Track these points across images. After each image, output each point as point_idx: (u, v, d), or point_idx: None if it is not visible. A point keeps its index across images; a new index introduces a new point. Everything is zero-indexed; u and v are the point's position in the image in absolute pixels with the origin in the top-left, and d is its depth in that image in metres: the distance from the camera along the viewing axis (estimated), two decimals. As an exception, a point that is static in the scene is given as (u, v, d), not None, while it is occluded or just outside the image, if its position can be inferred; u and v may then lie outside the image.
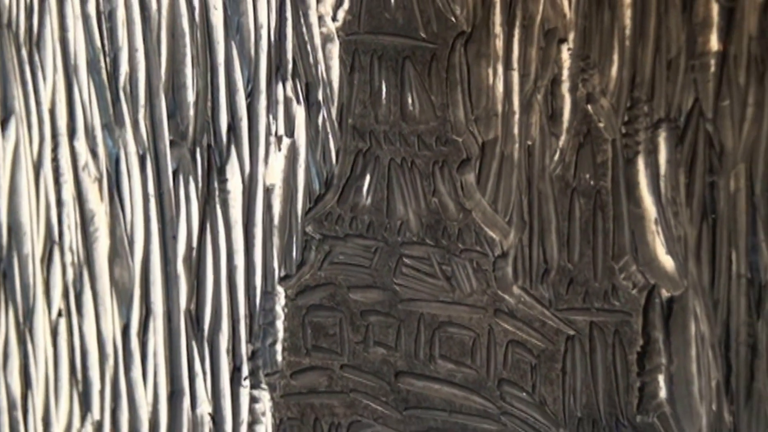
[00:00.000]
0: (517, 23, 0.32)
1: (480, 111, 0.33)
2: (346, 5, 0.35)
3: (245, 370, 0.38)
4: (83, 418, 0.40)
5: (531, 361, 0.33)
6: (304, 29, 0.36)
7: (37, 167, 0.40)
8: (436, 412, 0.35)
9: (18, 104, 0.40)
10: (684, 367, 0.32)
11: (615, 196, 0.32)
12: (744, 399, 0.31)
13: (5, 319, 0.41)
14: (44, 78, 0.39)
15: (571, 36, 0.31)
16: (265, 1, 0.36)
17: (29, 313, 0.41)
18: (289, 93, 0.36)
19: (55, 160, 0.40)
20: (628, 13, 0.31)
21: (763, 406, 0.31)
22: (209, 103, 0.38)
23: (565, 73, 0.32)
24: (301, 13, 0.36)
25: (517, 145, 0.32)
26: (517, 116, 0.32)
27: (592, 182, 0.32)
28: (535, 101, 0.32)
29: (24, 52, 0.39)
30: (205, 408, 0.39)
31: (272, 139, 0.37)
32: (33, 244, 0.41)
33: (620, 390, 0.32)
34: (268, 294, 0.38)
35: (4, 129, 0.40)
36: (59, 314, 0.40)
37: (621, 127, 0.31)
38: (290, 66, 0.36)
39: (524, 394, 0.33)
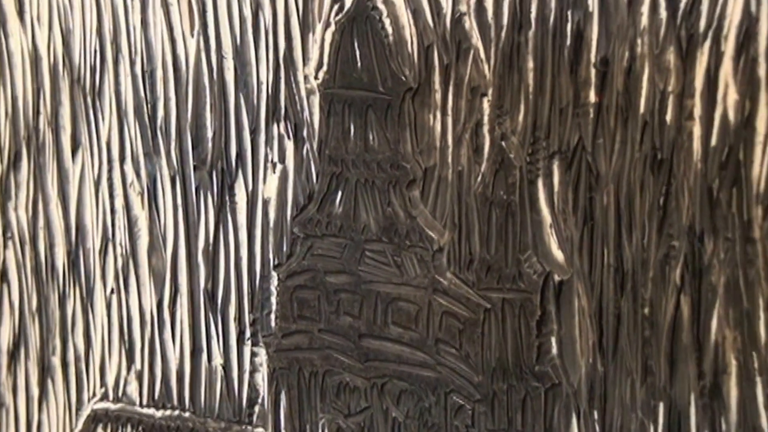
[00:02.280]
0: (451, 82, 0.31)
1: (423, 145, 0.32)
2: (324, 68, 0.34)
3: (248, 333, 0.37)
4: (129, 369, 0.40)
5: (459, 327, 0.32)
6: (293, 85, 0.35)
7: (97, 184, 0.39)
8: (389, 364, 0.35)
9: (84, 138, 0.39)
10: (569, 331, 0.31)
11: (521, 207, 0.31)
12: (611, 355, 0.31)
13: (73, 296, 0.40)
14: (102, 119, 0.38)
15: (490, 91, 0.31)
16: (264, 64, 0.36)
17: (90, 291, 0.40)
18: (282, 131, 0.35)
19: (109, 179, 0.39)
20: (531, 74, 0.30)
21: (626, 360, 0.31)
22: (223, 139, 0.37)
23: (486, 118, 0.31)
24: (291, 73, 0.35)
25: (450, 171, 0.32)
26: (450, 149, 0.32)
27: (504, 197, 0.31)
28: (464, 139, 0.31)
29: (89, 100, 0.38)
30: (218, 361, 0.38)
31: (269, 164, 0.36)
32: (93, 240, 0.40)
33: (523, 347, 0.32)
34: (265, 277, 0.37)
35: (74, 155, 0.40)
36: (112, 292, 0.40)
37: (526, 157, 0.31)
38: (283, 112, 0.35)
39: (453, 350, 0.33)
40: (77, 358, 0.41)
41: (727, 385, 0.31)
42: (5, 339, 0.42)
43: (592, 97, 0.31)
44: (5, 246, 0.41)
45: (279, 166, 0.36)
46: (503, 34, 0.32)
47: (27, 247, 0.41)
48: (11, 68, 0.40)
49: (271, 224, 0.36)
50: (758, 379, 0.30)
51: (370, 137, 0.34)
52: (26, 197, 0.41)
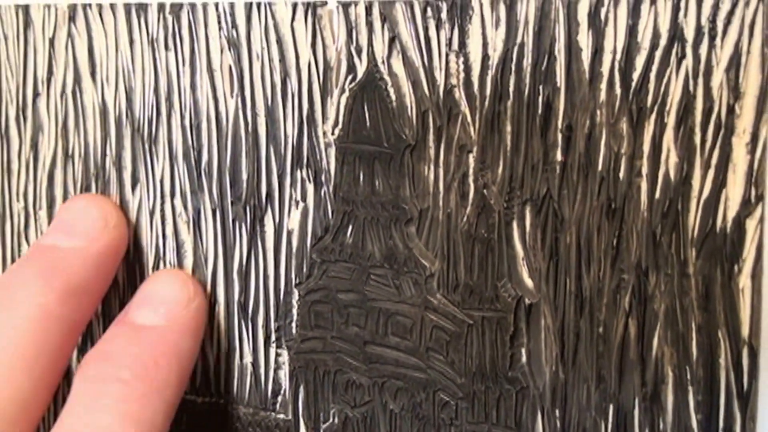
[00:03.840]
0: (443, 140, 0.30)
1: (419, 191, 0.31)
2: (339, 126, 0.33)
3: (273, 337, 0.36)
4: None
5: (446, 338, 0.31)
6: (314, 139, 0.34)
7: (151, 214, 0.38)
8: (388, 366, 0.34)
9: (142, 176, 0.38)
10: (536, 344, 0.30)
11: (499, 243, 0.30)
12: (571, 365, 0.30)
13: (130, 303, 0.40)
14: (157, 161, 0.37)
15: (475, 149, 0.30)
16: (290, 122, 0.35)
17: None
18: (304, 176, 0.34)
19: (162, 210, 0.38)
20: (509, 136, 0.29)
21: (583, 369, 0.30)
22: (255, 180, 0.36)
23: (470, 170, 0.30)
24: (312, 129, 0.34)
25: (441, 212, 0.31)
26: (441, 195, 0.31)
27: (485, 235, 0.30)
28: (452, 187, 0.30)
29: (146, 146, 0.37)
30: (248, 359, 0.37)
31: (293, 202, 0.35)
32: (147, 258, 0.39)
33: (499, 356, 0.31)
34: (288, 293, 0.36)
35: (133, 190, 0.39)
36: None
37: (503, 203, 0.30)
38: (305, 160, 0.34)
39: (441, 357, 0.32)
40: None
41: (665, 393, 0.30)
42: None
43: (559, 156, 0.30)
44: (76, 262, 0.40)
45: (301, 204, 0.35)
46: (486, 102, 0.31)
47: (94, 263, 0.40)
48: (84, 119, 0.39)
49: (294, 250, 0.35)
50: (690, 388, 0.30)
51: (376, 183, 0.33)
52: (94, 222, 0.40)
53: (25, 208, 0.41)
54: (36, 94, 0.40)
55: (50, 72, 0.39)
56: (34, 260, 0.30)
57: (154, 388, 0.28)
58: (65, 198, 0.40)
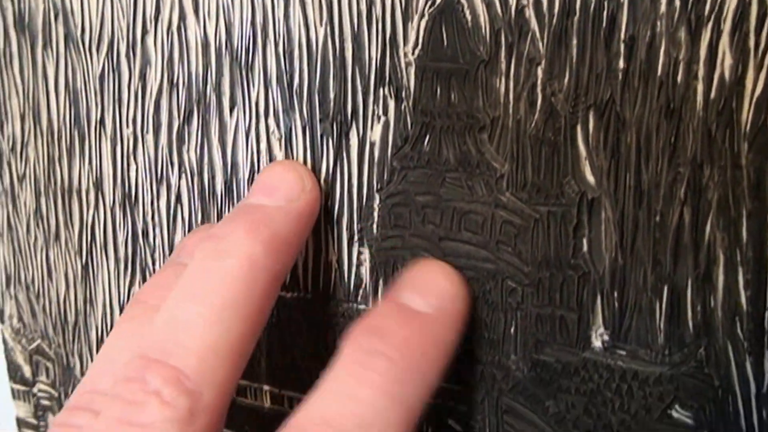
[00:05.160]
0: (513, 55, 0.28)
1: (491, 101, 0.29)
2: (419, 47, 0.31)
3: (356, 238, 0.34)
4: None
5: (514, 232, 0.29)
6: (396, 60, 0.32)
7: (247, 133, 0.36)
8: (461, 259, 0.32)
9: (239, 99, 0.36)
10: (597, 234, 0.28)
11: (564, 145, 0.28)
12: (629, 251, 0.28)
13: (228, 212, 0.37)
14: (253, 86, 0.35)
15: (543, 61, 0.28)
16: (374, 45, 0.33)
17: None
18: (386, 93, 0.32)
19: (257, 129, 0.36)
20: (575, 49, 0.27)
21: (640, 255, 0.28)
22: (341, 99, 0.34)
23: (539, 81, 0.28)
24: (394, 51, 0.32)
25: (510, 119, 0.29)
26: (511, 104, 0.29)
27: (552, 138, 0.28)
28: (522, 96, 0.28)
29: (243, 72, 0.36)
30: (333, 257, 0.35)
31: (375, 117, 0.33)
32: (243, 172, 0.37)
33: (562, 246, 0.29)
34: (370, 197, 0.34)
35: (231, 112, 0.37)
36: (257, 209, 0.37)
37: (569, 109, 0.27)
38: (387, 79, 0.32)
39: (509, 249, 0.30)
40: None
41: (716, 273, 0.28)
42: (178, 241, 0.39)
43: (621, 64, 0.28)
44: (180, 177, 0.38)
45: (383, 118, 0.33)
46: (555, 19, 0.29)
47: (195, 178, 0.38)
48: (188, 51, 0.37)
49: (376, 160, 0.33)
50: (740, 269, 0.27)
51: (452, 96, 0.31)
52: (196, 143, 0.38)
53: (134, 132, 0.39)
54: (144, 32, 0.38)
55: (158, 11, 0.37)
56: (243, 216, 0.29)
57: (417, 372, 0.25)
58: (170, 123, 0.38)
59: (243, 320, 0.26)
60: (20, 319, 0.47)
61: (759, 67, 0.26)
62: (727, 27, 0.26)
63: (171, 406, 0.22)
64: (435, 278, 0.29)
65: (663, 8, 0.27)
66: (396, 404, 0.24)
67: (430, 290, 0.28)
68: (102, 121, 0.40)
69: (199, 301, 0.25)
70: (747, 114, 0.27)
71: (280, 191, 0.32)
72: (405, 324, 0.26)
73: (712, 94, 0.27)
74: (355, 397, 0.24)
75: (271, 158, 0.35)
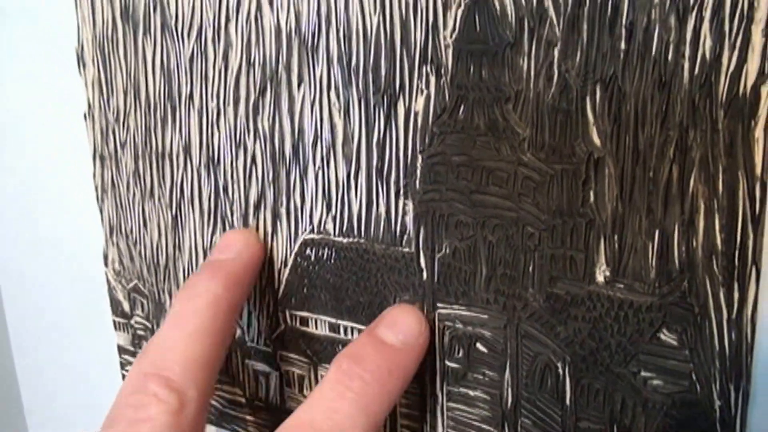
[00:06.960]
0: (534, 38, 0.33)
1: (515, 77, 0.34)
2: (456, 31, 0.36)
3: (402, 192, 0.39)
4: (327, 214, 0.42)
5: (533, 186, 0.34)
6: (437, 42, 0.37)
7: (312, 104, 0.41)
8: (488, 209, 0.37)
9: (305, 76, 0.41)
10: (602, 187, 0.32)
11: (575, 113, 0.32)
12: (628, 201, 0.33)
13: (295, 166, 0.43)
14: (317, 64, 0.40)
15: (559, 43, 0.32)
16: (420, 30, 0.38)
17: (305, 167, 0.43)
18: (428, 70, 0.37)
19: (320, 101, 0.41)
20: (585, 33, 0.32)
21: (636, 204, 0.33)
22: (391, 76, 0.39)
23: (555, 60, 0.33)
24: (436, 35, 0.37)
25: (531, 92, 0.33)
26: (532, 80, 0.33)
27: (566, 107, 0.33)
28: (541, 73, 0.33)
29: (310, 54, 0.40)
30: (383, 209, 0.40)
31: (419, 90, 0.38)
32: (308, 137, 0.42)
33: (573, 197, 0.33)
34: (414, 158, 0.39)
35: (299, 87, 0.41)
36: (319, 167, 0.42)
37: (579, 83, 0.32)
38: (429, 59, 0.37)
39: (529, 200, 0.34)
40: (296, 209, 0.44)
41: (698, 219, 0.32)
42: (252, 197, 0.45)
43: (623, 46, 0.33)
44: (255, 142, 0.44)
45: (425, 91, 0.38)
46: (569, 9, 0.34)
47: (267, 142, 0.44)
48: (263, 36, 0.42)
49: (419, 126, 0.38)
50: (716, 215, 0.32)
51: (483, 73, 0.36)
52: (268, 113, 0.43)
53: (217, 105, 0.45)
54: (227, 20, 0.44)
55: (238, 3, 0.43)
56: (208, 267, 0.38)
57: (385, 391, 0.31)
58: (247, 97, 0.44)
59: (212, 338, 0.34)
60: (120, 262, 0.53)
61: (732, 48, 0.31)
62: (707, 15, 0.31)
63: (165, 402, 0.30)
64: (406, 318, 0.35)
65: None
66: (366, 415, 0.30)
67: (401, 328, 0.35)
68: (191, 96, 0.46)
69: (178, 329, 0.34)
70: (723, 86, 0.31)
71: (233, 248, 0.41)
72: (378, 353, 0.33)
73: (696, 70, 0.32)
74: (335, 408, 0.30)
75: (332, 125, 0.41)
